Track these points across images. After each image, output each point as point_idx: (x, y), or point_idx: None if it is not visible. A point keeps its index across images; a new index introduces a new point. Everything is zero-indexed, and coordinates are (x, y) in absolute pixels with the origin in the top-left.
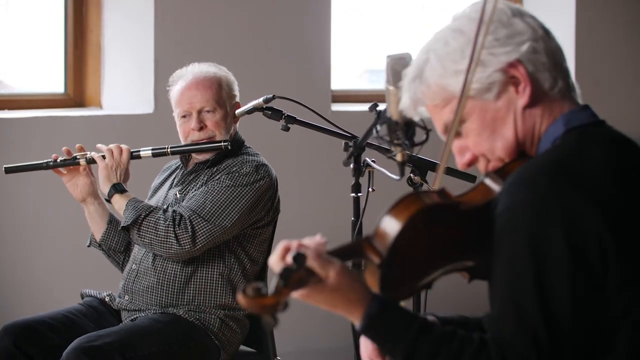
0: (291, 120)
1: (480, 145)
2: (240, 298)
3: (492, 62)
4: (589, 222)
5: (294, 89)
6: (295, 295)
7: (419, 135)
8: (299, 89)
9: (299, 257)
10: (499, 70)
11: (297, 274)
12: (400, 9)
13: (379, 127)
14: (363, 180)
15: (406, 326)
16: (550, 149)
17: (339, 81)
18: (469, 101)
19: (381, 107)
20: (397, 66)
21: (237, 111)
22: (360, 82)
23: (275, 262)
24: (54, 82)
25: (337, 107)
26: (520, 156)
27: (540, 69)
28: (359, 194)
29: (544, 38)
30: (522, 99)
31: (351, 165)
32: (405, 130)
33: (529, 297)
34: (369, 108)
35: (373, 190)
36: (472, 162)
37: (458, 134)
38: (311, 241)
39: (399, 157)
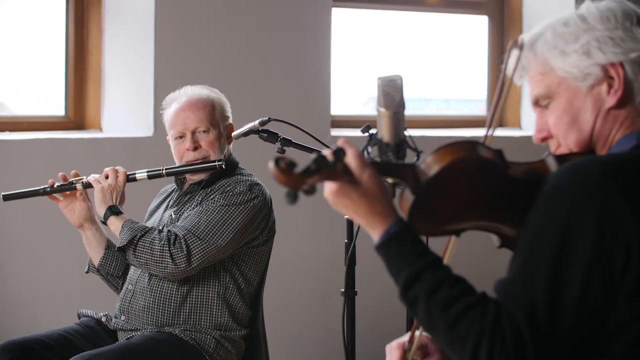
0: (287, 143)
1: (557, 127)
2: (271, 166)
3: (597, 55)
4: (624, 225)
5: (293, 114)
6: (326, 190)
7: (410, 157)
8: (298, 114)
9: (339, 151)
10: (600, 65)
11: (335, 164)
12: (405, 36)
13: (370, 149)
14: None
15: (419, 255)
16: (613, 153)
17: (342, 108)
18: (563, 82)
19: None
20: (388, 88)
21: (233, 134)
22: (365, 109)
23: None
24: (55, 105)
25: (336, 132)
26: (586, 153)
27: (637, 79)
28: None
29: None
30: (611, 100)
31: None
32: (396, 151)
33: (542, 276)
34: (362, 130)
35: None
36: (546, 139)
37: (544, 107)
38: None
39: (390, 179)
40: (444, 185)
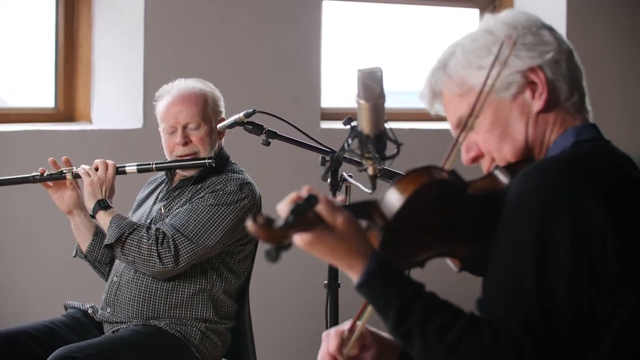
0: (272, 135)
1: (488, 142)
2: (250, 225)
3: (514, 63)
4: (595, 220)
5: (283, 106)
6: (300, 241)
7: (390, 149)
8: (288, 106)
9: (311, 198)
10: (520, 72)
11: (308, 213)
12: (396, 29)
13: (350, 141)
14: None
15: (403, 287)
16: (564, 152)
17: (333, 101)
18: (485, 97)
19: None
20: (368, 80)
21: (219, 126)
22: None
23: (283, 205)
24: (44, 97)
25: (326, 124)
26: (526, 160)
27: (559, 79)
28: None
29: (568, 54)
30: (537, 104)
31: (328, 180)
32: (376, 143)
33: (528, 282)
34: (344, 122)
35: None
36: (477, 158)
37: (469, 129)
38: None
39: (370, 171)
40: (410, 217)
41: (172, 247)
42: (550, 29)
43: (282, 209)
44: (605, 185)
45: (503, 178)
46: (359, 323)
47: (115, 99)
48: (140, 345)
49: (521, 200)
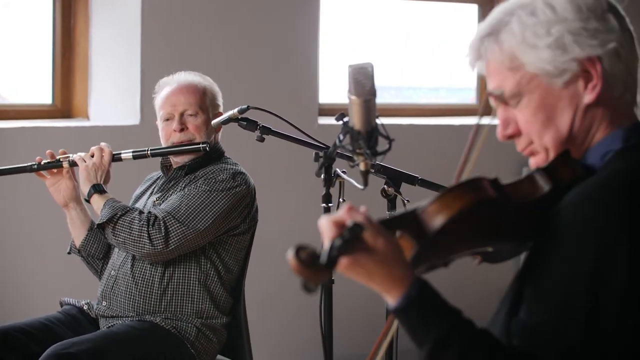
0: (266, 131)
1: (530, 125)
2: (292, 259)
3: (573, 50)
4: None
5: (281, 102)
6: (338, 265)
7: (382, 145)
8: (286, 102)
9: (356, 228)
10: (577, 60)
11: (351, 244)
12: (394, 24)
13: (342, 137)
14: (335, 191)
15: (442, 317)
16: (619, 172)
17: (333, 97)
18: (535, 79)
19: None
20: (359, 75)
21: (213, 122)
22: None
23: (327, 224)
24: (42, 93)
25: (324, 120)
26: (565, 157)
27: (616, 74)
28: (330, 205)
29: (629, 42)
30: (589, 96)
31: (322, 176)
32: (368, 139)
33: (577, 319)
34: (336, 118)
35: (344, 200)
36: (514, 136)
37: (507, 104)
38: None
39: (362, 167)
40: (449, 233)
41: (162, 228)
42: (616, 12)
43: (325, 230)
44: None
45: (543, 183)
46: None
47: (113, 96)
48: (136, 341)
49: (579, 231)
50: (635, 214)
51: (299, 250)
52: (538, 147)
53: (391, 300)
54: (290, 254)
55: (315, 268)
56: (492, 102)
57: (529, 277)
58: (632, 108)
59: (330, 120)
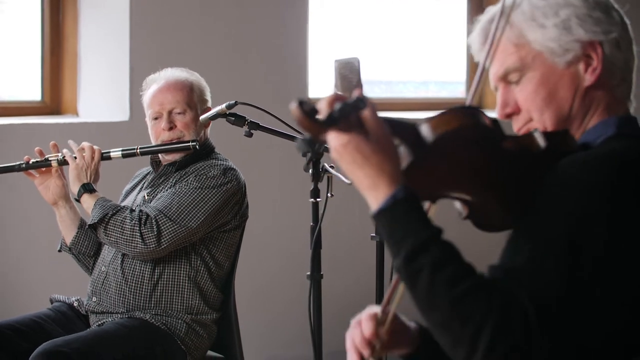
0: (254, 126)
1: (531, 101)
2: (295, 109)
3: (578, 32)
4: (633, 223)
5: (270, 97)
6: (335, 140)
7: None
8: (275, 97)
9: (360, 101)
10: (580, 42)
11: (351, 115)
12: (383, 18)
13: None
14: (323, 186)
15: (425, 224)
16: (611, 148)
17: (322, 92)
18: (539, 56)
19: None
20: (345, 70)
21: (201, 117)
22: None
23: (331, 96)
24: (31, 90)
25: None
26: (564, 132)
27: (615, 62)
28: (318, 199)
29: (628, 41)
30: (589, 78)
31: (310, 171)
32: None
33: (556, 264)
34: None
35: (332, 195)
36: (512, 115)
37: (509, 83)
38: None
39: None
40: (444, 150)
41: (154, 227)
42: (619, 14)
43: (329, 101)
44: None
45: (541, 141)
46: (390, 306)
47: (102, 92)
48: (126, 339)
49: (569, 188)
50: (623, 185)
51: (302, 102)
52: (537, 124)
53: (375, 199)
54: (293, 104)
55: (314, 121)
56: (493, 84)
57: (513, 231)
58: (627, 101)
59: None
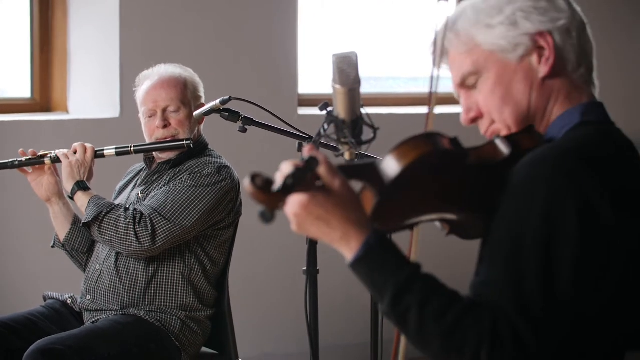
0: (248, 121)
1: (490, 103)
2: (248, 185)
3: (524, 25)
4: (602, 210)
5: (260, 93)
6: (296, 202)
7: (367, 134)
8: (265, 92)
9: (312, 160)
10: (529, 35)
11: (306, 176)
12: (372, 13)
13: (326, 126)
14: None
15: (402, 265)
16: (572, 138)
17: (312, 87)
18: (491, 56)
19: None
20: (343, 65)
21: (195, 113)
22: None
23: (287, 164)
24: (21, 87)
25: (303, 110)
26: (528, 130)
27: (568, 48)
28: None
29: (580, 25)
30: (543, 69)
31: None
32: (353, 128)
33: (532, 269)
34: (319, 107)
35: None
36: (477, 119)
37: (469, 88)
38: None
39: (347, 156)
40: (408, 183)
41: (149, 226)
42: (567, 0)
43: (284, 168)
44: (613, 181)
45: (504, 148)
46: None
47: (92, 89)
48: (120, 335)
49: (529, 187)
50: (585, 173)
51: (255, 176)
52: (500, 125)
53: (348, 250)
54: (246, 180)
55: (270, 193)
56: (455, 93)
57: (486, 238)
58: (589, 85)
59: (310, 111)
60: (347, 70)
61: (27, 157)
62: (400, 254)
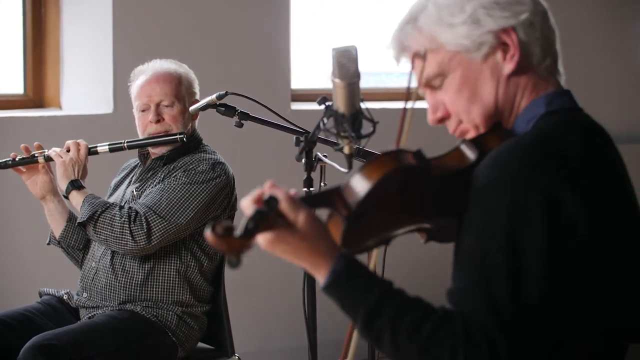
0: (244, 116)
1: (456, 104)
2: (209, 235)
3: (487, 23)
4: (568, 207)
5: (253, 88)
6: (261, 241)
7: (366, 128)
8: (258, 88)
9: (272, 200)
10: (492, 32)
11: (268, 217)
12: (367, 8)
13: (325, 121)
14: (316, 175)
15: (371, 287)
16: (536, 130)
17: (302, 82)
18: (456, 56)
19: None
20: (343, 59)
21: (191, 108)
22: (326, 82)
23: (247, 204)
24: (14, 83)
25: (296, 105)
26: (495, 128)
27: (532, 42)
28: (311, 189)
29: (542, 14)
30: (509, 66)
31: (303, 161)
32: (352, 122)
33: (500, 274)
34: (318, 102)
35: (325, 184)
36: (444, 119)
37: (434, 88)
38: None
39: (346, 150)
40: (375, 204)
41: (144, 224)
42: None
43: (246, 206)
44: (577, 171)
45: (470, 153)
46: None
47: (85, 84)
48: (117, 331)
49: (492, 188)
50: (546, 165)
51: (215, 225)
52: (468, 125)
53: (320, 277)
54: (207, 230)
55: (232, 240)
56: (420, 89)
57: (456, 245)
58: (555, 75)
59: (303, 106)
60: (346, 64)
61: (21, 157)
62: (368, 277)
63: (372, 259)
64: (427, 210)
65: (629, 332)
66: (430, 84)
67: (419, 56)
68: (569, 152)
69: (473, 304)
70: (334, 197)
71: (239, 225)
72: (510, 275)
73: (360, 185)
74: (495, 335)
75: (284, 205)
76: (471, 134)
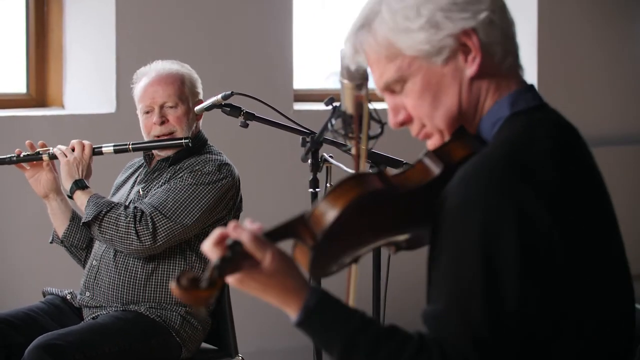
0: (250, 116)
1: (419, 109)
2: (174, 288)
3: (447, 26)
4: (540, 222)
5: (255, 88)
6: (230, 280)
7: (374, 129)
8: (261, 88)
9: (235, 245)
10: (452, 35)
11: (233, 262)
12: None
13: (333, 121)
14: (322, 176)
15: (345, 321)
16: (501, 141)
17: (304, 82)
18: (415, 61)
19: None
20: None
21: (196, 108)
22: (327, 83)
23: (209, 248)
24: (16, 82)
25: (299, 106)
26: (459, 135)
27: (493, 41)
28: (317, 190)
29: (501, 10)
30: (471, 69)
31: (309, 161)
32: (360, 123)
33: (475, 297)
34: (325, 103)
35: (331, 185)
36: (406, 122)
37: (394, 92)
38: (247, 226)
39: (353, 151)
40: (341, 232)
41: (150, 224)
42: None
43: (209, 250)
44: (545, 179)
45: (434, 167)
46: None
47: (88, 84)
48: (121, 331)
49: (463, 209)
50: (514, 182)
51: (180, 277)
52: (431, 130)
53: (292, 313)
54: (172, 283)
55: (198, 292)
56: (379, 91)
57: (430, 264)
58: (517, 71)
59: (306, 106)
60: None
61: (25, 153)
62: (341, 310)
63: (352, 275)
64: (394, 227)
65: (610, 347)
66: (390, 88)
67: (376, 62)
68: (536, 164)
69: (449, 329)
70: (299, 227)
71: (204, 274)
72: (486, 299)
73: (325, 214)
74: (474, 359)
75: (250, 246)
76: (435, 139)
